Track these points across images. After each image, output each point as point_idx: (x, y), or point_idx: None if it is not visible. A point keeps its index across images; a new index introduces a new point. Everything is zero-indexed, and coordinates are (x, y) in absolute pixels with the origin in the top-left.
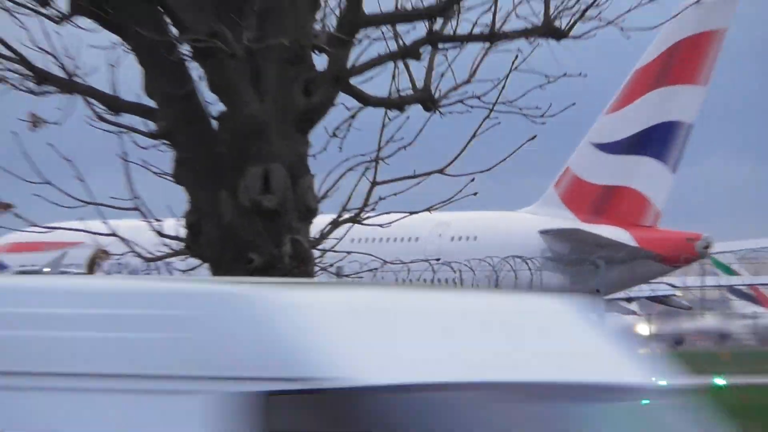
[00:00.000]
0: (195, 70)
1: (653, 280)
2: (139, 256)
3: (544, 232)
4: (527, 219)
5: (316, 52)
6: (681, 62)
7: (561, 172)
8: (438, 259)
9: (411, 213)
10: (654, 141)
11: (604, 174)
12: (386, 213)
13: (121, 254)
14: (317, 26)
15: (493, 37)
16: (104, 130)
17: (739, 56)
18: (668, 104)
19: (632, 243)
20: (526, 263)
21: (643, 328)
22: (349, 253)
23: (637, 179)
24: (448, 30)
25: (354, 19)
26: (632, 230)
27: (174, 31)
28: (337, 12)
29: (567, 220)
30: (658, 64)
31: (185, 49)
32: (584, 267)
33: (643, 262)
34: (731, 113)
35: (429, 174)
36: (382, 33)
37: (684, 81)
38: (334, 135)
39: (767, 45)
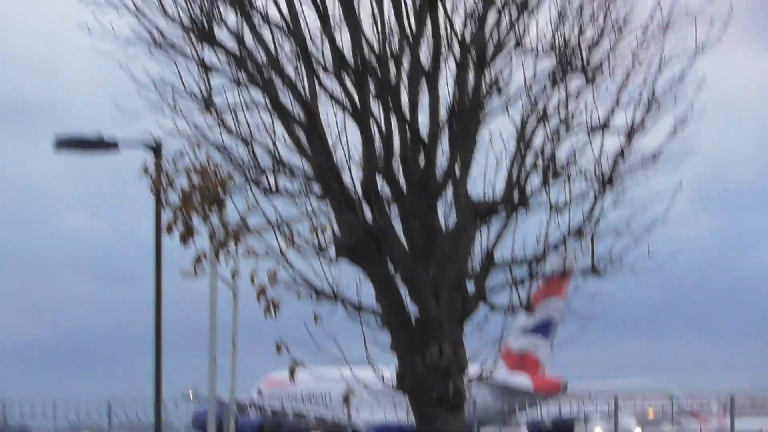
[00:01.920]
0: (403, 288)
1: None
2: (368, 388)
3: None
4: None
5: (468, 283)
6: (553, 286)
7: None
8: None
9: None
10: (543, 328)
11: (520, 345)
12: None
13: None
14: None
15: (565, 274)
16: (353, 320)
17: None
18: (548, 308)
19: (528, 385)
20: None
21: None
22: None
23: (535, 350)
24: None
25: (489, 264)
26: (531, 377)
27: (392, 268)
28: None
29: (502, 370)
30: (542, 287)
31: (398, 277)
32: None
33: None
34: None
35: None
36: (507, 268)
37: (555, 295)
38: (479, 326)
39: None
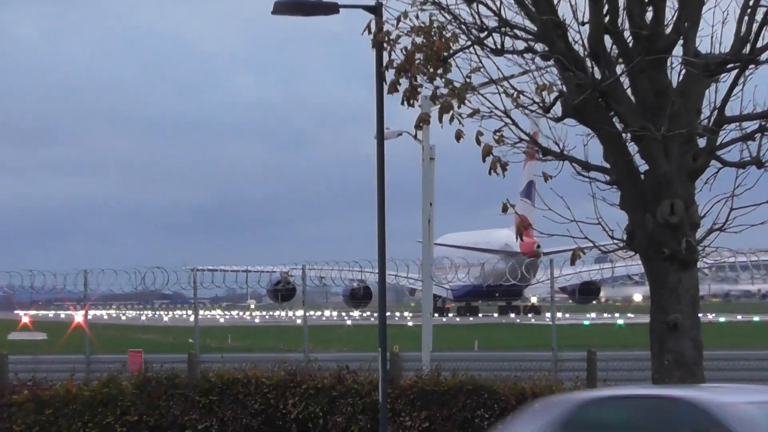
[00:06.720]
0: (632, 147)
1: None
2: (600, 249)
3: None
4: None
5: (698, 137)
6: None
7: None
8: None
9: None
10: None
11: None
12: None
13: (591, 247)
14: (701, 123)
15: None
16: (580, 180)
17: None
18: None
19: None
20: None
21: None
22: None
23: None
24: None
25: (720, 119)
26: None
27: (619, 126)
28: (710, 115)
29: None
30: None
31: (627, 135)
32: None
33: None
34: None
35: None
36: (737, 123)
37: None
38: (706, 182)
39: None
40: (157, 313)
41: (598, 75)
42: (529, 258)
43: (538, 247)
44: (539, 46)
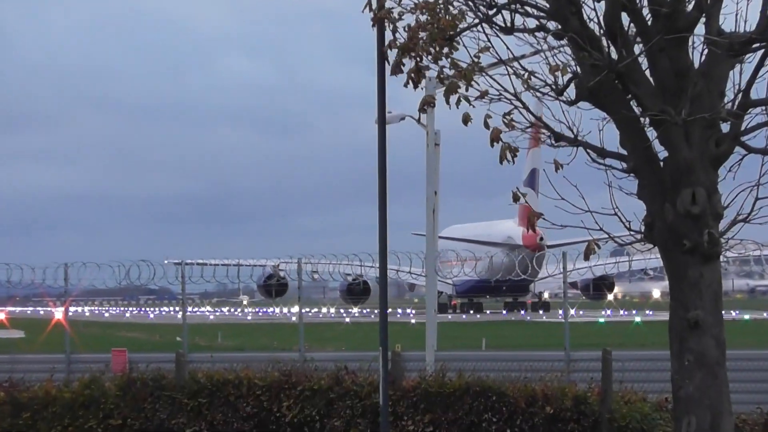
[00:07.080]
0: (650, 132)
1: None
2: (616, 242)
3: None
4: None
5: (722, 121)
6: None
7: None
8: None
9: None
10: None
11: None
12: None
13: (606, 240)
14: (725, 106)
15: None
16: (595, 168)
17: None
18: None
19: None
20: None
21: None
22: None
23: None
24: None
25: (745, 102)
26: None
27: (637, 109)
28: (734, 98)
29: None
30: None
31: (645, 120)
32: None
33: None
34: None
35: None
36: (762, 110)
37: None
38: (729, 170)
39: None
40: (143, 309)
41: (614, 55)
42: (532, 251)
43: (542, 239)
44: (552, 25)
